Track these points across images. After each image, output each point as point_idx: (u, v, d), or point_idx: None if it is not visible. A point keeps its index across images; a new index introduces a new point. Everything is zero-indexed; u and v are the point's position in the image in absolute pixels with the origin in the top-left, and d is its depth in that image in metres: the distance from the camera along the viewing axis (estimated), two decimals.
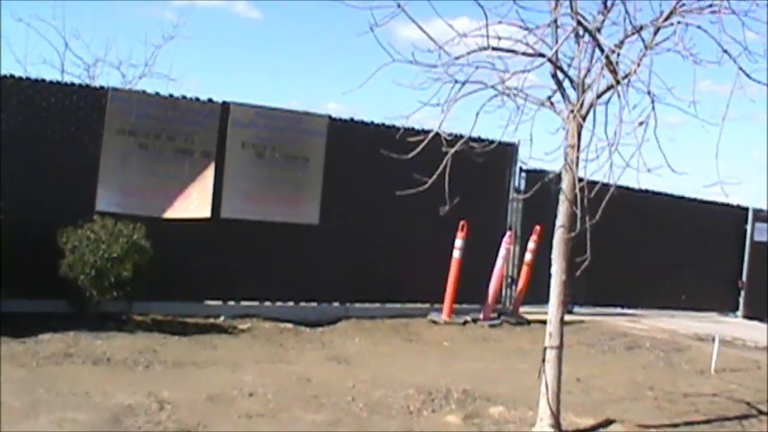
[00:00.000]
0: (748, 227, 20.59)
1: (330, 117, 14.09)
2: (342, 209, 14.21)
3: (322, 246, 14.08)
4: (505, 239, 14.88)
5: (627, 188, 18.19)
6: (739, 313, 20.54)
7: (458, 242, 14.42)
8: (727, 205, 20.44)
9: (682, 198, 19.62)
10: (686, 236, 19.54)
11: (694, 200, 19.81)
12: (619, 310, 18.10)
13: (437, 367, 10.80)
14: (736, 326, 18.44)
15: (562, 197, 7.55)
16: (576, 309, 17.21)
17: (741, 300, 20.61)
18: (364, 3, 6.86)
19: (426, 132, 7.44)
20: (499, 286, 15.04)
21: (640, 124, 7.37)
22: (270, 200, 13.69)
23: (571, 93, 7.70)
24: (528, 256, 15.41)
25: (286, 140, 13.76)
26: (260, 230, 13.58)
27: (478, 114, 7.69)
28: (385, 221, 14.60)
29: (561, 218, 7.63)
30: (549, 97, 7.80)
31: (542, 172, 16.37)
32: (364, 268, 14.55)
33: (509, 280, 16.13)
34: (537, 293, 16.31)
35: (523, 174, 16.27)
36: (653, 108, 7.20)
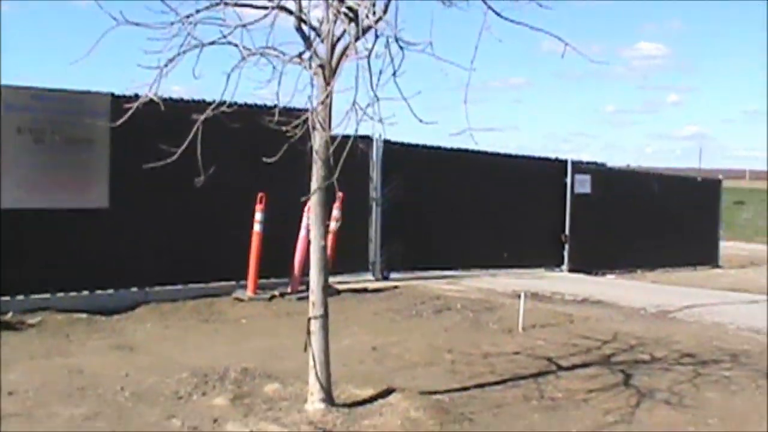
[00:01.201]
0: (568, 180, 20.65)
1: (113, 95, 13.42)
2: (135, 190, 13.59)
3: (116, 230, 13.48)
4: (306, 209, 14.50)
5: (438, 148, 18.48)
6: (565, 266, 20.63)
7: (258, 215, 14.02)
8: (547, 159, 20.67)
9: (499, 155, 19.67)
10: (507, 193, 19.65)
11: (512, 156, 19.90)
12: (439, 273, 17.85)
13: (226, 347, 10.44)
14: (560, 280, 18.60)
15: (315, 157, 7.14)
16: (393, 275, 17.03)
17: (565, 254, 20.72)
18: None
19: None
20: (304, 257, 14.62)
21: (394, 75, 7.05)
22: (54, 187, 12.99)
23: (322, 48, 7.30)
24: (333, 225, 15.06)
25: (66, 122, 13.07)
26: (46, 219, 12.89)
27: (228, 76, 7.21)
28: (183, 199, 14.03)
29: (315, 180, 7.20)
30: (300, 54, 7.42)
31: (346, 137, 16.28)
32: (164, 249, 14.01)
33: None
34: (354, 262, 16.17)
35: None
36: (402, 57, 6.84)
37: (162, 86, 7.30)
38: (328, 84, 7.16)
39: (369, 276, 16.95)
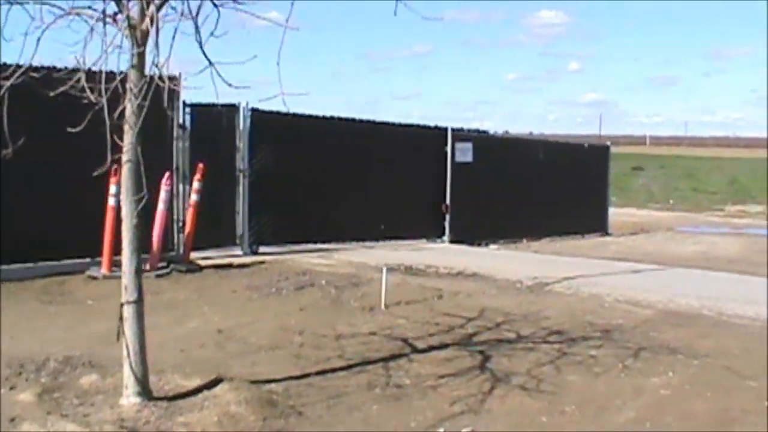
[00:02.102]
0: (449, 149, 20.18)
1: None
2: None
3: None
4: (164, 181, 13.82)
5: (311, 116, 17.86)
6: (446, 237, 20.20)
7: (112, 188, 13.22)
8: (426, 127, 20.20)
9: (376, 123, 19.15)
10: (385, 163, 19.09)
11: (390, 124, 19.40)
12: (312, 246, 17.27)
13: (61, 332, 9.77)
14: (439, 252, 18.16)
15: (126, 127, 6.47)
16: (263, 249, 16.44)
17: (447, 224, 20.26)
18: None
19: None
20: (162, 231, 13.98)
21: (212, 35, 6.44)
22: None
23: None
24: (193, 197, 14.51)
25: None
26: None
27: (39, 39, 6.50)
28: (35, 171, 13.20)
29: (126, 152, 6.53)
30: (115, 13, 6.71)
31: (211, 106, 15.65)
32: (9, 225, 13.14)
33: (180, 224, 15.09)
34: (220, 235, 15.53)
35: (188, 109, 15.24)
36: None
37: None
38: (140, 46, 6.48)
39: (237, 251, 16.28)
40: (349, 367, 8.31)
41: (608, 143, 27.91)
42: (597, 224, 25.51)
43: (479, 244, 20.46)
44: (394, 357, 8.73)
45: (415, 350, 9.04)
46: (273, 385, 7.52)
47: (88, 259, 13.80)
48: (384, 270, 11.77)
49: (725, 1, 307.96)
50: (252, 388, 7.25)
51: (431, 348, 9.12)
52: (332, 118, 17.90)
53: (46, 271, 13.37)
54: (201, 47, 6.28)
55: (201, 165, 14.41)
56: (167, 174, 13.94)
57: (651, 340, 9.81)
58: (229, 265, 14.75)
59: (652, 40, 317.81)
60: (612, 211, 30.71)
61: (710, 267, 17.89)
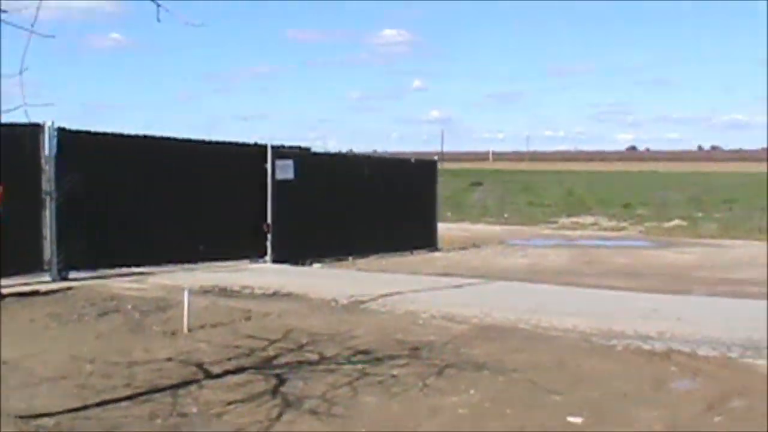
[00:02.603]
0: (269, 166, 19.94)
1: None
2: None
3: None
4: None
5: (123, 135, 17.40)
6: (269, 257, 19.92)
7: None
8: (246, 145, 19.92)
9: (193, 141, 18.79)
10: (203, 182, 18.74)
11: (208, 143, 19.07)
12: (127, 270, 16.81)
13: None
14: (259, 273, 17.89)
15: None
16: (74, 274, 15.93)
17: (269, 244, 19.99)
18: None
19: None
20: None
21: None
22: None
23: None
24: None
25: None
26: None
27: None
28: None
29: None
30: None
31: (12, 126, 15.07)
32: None
33: None
34: (26, 261, 14.95)
35: None
36: None
37: None
38: None
39: (46, 277, 15.71)
40: (137, 395, 8.01)
41: (436, 158, 28.07)
42: (426, 240, 25.54)
43: (303, 264, 20.25)
44: (185, 383, 8.45)
45: (209, 376, 8.79)
46: (45, 419, 7.15)
47: None
48: (186, 292, 11.45)
49: (568, 19, 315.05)
50: (18, 423, 6.86)
51: (226, 373, 8.88)
52: (145, 137, 17.50)
53: None
54: None
55: (1, 187, 13.85)
56: None
57: (460, 357, 9.75)
58: (35, 293, 14.23)
59: (494, 56, 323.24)
60: (445, 227, 30.99)
61: (535, 279, 18.16)
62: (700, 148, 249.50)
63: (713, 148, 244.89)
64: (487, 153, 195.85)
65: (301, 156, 21.43)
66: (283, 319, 12.00)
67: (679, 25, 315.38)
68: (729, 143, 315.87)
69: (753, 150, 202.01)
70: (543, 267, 21.88)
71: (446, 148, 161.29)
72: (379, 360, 9.55)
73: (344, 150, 27.07)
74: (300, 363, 9.36)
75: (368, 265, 21.37)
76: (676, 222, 37.28)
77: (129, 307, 12.75)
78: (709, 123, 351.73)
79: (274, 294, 14.51)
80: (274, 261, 19.98)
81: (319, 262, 20.83)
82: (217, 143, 19.32)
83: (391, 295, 14.19)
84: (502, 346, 10.30)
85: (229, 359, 9.48)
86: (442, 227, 28.19)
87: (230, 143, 19.57)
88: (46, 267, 15.87)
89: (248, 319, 11.98)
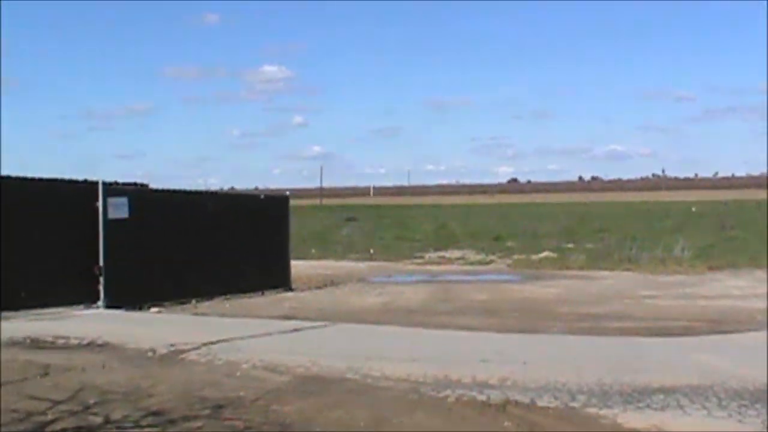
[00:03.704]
0: (100, 204, 18.89)
1: None
2: None
3: None
4: None
5: None
6: (101, 302, 18.83)
7: None
8: (74, 182, 18.89)
9: (12, 178, 17.65)
10: (26, 222, 17.62)
11: (30, 179, 18.00)
12: None
13: None
14: (86, 320, 16.91)
15: None
16: None
17: (101, 288, 18.89)
18: None
19: None
20: None
21: None
22: None
23: None
24: None
25: None
26: None
27: None
28: None
29: None
30: None
31: None
32: None
33: None
34: None
35: None
36: None
37: None
38: None
39: None
40: None
41: (287, 193, 27.19)
42: (278, 279, 24.70)
43: (141, 308, 19.22)
44: None
45: None
46: None
47: None
48: None
49: (445, 52, 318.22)
50: None
51: None
52: None
53: None
54: None
55: None
56: None
57: (267, 416, 8.97)
58: None
59: (373, 91, 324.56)
60: (307, 264, 30.39)
61: (384, 320, 17.60)
62: (580, 178, 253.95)
63: (593, 178, 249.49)
64: (368, 188, 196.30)
65: (138, 192, 20.48)
66: (84, 374, 11.09)
67: (558, 56, 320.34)
68: (609, 173, 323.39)
69: (632, 180, 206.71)
70: (397, 306, 21.27)
71: (329, 184, 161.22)
72: (172, 422, 8.71)
73: (226, 188, 26.20)
74: (79, 429, 8.43)
75: (211, 308, 20.46)
76: (546, 254, 37.16)
77: None
78: (590, 154, 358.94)
79: (89, 344, 13.55)
80: (108, 306, 18.90)
81: (158, 306, 19.79)
82: (41, 180, 18.23)
83: (216, 342, 13.37)
84: (318, 402, 9.54)
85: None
86: (303, 265, 27.43)
87: (57, 180, 18.51)
88: None
89: (45, 375, 11.02)
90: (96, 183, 19.13)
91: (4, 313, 16.75)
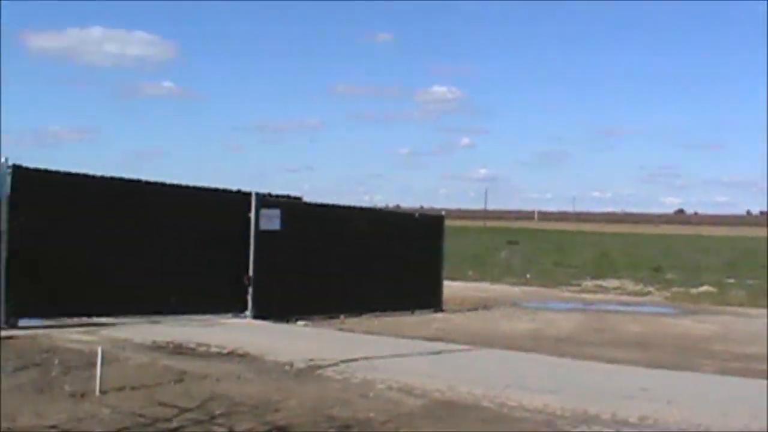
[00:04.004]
0: (252, 215, 19.00)
1: None
2: None
3: None
4: None
5: (92, 177, 16.55)
6: (249, 312, 18.91)
7: None
8: (228, 192, 19.02)
9: (165, 185, 17.86)
10: (178, 228, 17.84)
11: (185, 187, 18.16)
12: (86, 320, 15.96)
13: None
14: (231, 329, 16.90)
15: None
16: (27, 322, 15.05)
17: (249, 298, 18.99)
18: None
19: None
20: None
21: None
22: None
23: None
24: None
25: None
26: None
27: None
28: None
29: None
30: None
31: None
32: None
33: None
34: None
35: None
36: None
37: None
38: None
39: None
40: None
41: (443, 213, 26.90)
42: (430, 299, 24.42)
43: (288, 321, 19.23)
44: None
45: None
46: None
47: None
48: (99, 351, 10.49)
49: (617, 80, 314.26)
50: None
51: None
52: (112, 178, 16.67)
53: None
54: None
55: None
56: None
57: None
58: None
59: (542, 115, 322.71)
60: (462, 285, 30.08)
61: (530, 348, 17.12)
62: (748, 212, 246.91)
63: (762, 213, 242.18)
64: (533, 212, 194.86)
65: (291, 205, 20.50)
66: (218, 383, 11.06)
67: (731, 88, 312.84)
68: None
69: None
70: (546, 333, 20.78)
71: (493, 206, 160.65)
72: None
73: (391, 205, 26.16)
74: None
75: (359, 324, 20.31)
76: (705, 288, 35.90)
77: (56, 361, 11.84)
78: (759, 187, 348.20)
79: (229, 354, 13.55)
80: (256, 316, 18.96)
81: (305, 319, 19.77)
82: (197, 188, 18.44)
83: (356, 360, 13.20)
84: (448, 429, 9.26)
85: (123, 430, 8.48)
86: (458, 286, 27.14)
87: (212, 189, 18.70)
88: None
89: (179, 381, 11.03)
90: (249, 194, 19.21)
91: (154, 317, 17.01)
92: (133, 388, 10.42)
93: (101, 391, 10.04)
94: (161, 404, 9.64)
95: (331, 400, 10.33)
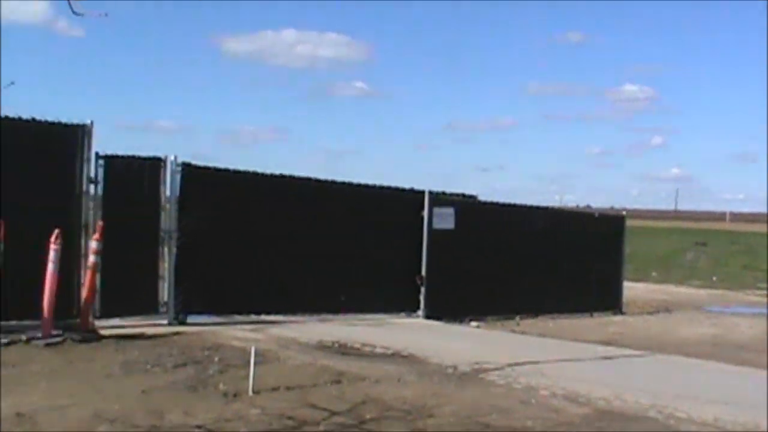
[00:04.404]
0: (425, 213, 18.60)
1: None
2: None
3: None
4: (52, 239, 12.50)
5: (256, 174, 16.48)
6: (421, 312, 18.54)
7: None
8: (400, 190, 18.68)
9: (336, 183, 17.67)
10: (348, 227, 17.64)
11: (356, 185, 17.92)
12: (255, 317, 15.88)
13: None
14: (400, 329, 16.60)
15: None
16: (196, 318, 15.06)
17: (421, 298, 18.60)
18: None
19: None
20: (53, 295, 12.61)
21: None
22: None
23: None
24: (91, 258, 13.18)
25: None
26: None
27: None
28: None
29: None
30: None
31: (130, 158, 14.43)
32: None
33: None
34: (142, 302, 14.31)
35: (101, 161, 14.00)
36: None
37: None
38: None
39: (163, 319, 14.88)
40: None
41: (623, 213, 25.98)
42: (609, 302, 23.62)
43: (461, 321, 18.79)
44: None
45: None
46: None
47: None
48: (252, 350, 10.22)
49: None
50: None
51: None
52: (282, 176, 16.52)
53: None
54: None
55: (101, 223, 13.22)
56: (56, 232, 12.56)
57: None
58: (138, 336, 13.45)
59: (733, 114, 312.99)
60: (645, 287, 29.11)
61: (708, 355, 16.20)
62: None
63: None
64: (725, 213, 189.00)
65: (465, 204, 20.05)
66: (375, 386, 10.67)
67: None
68: None
69: None
70: (726, 339, 19.72)
71: (686, 207, 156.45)
72: None
73: (581, 205, 25.49)
74: None
75: (533, 326, 19.71)
76: None
77: (216, 359, 11.67)
78: None
79: (393, 355, 13.20)
80: (427, 317, 18.60)
81: (478, 320, 19.28)
82: (367, 186, 18.17)
83: (523, 364, 12.69)
84: None
85: None
86: (641, 288, 26.24)
87: (381, 187, 18.39)
88: (162, 309, 15.04)
89: (336, 383, 10.69)
90: (422, 192, 18.85)
91: (324, 316, 16.84)
92: (287, 389, 10.13)
93: (254, 391, 9.77)
94: (312, 406, 9.31)
95: (488, 407, 9.81)
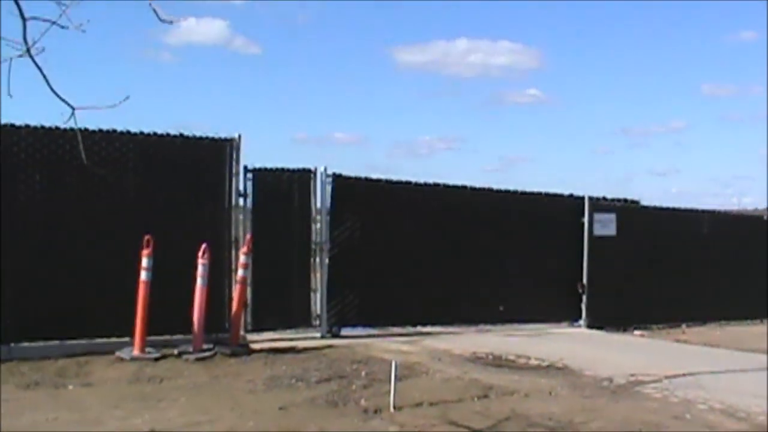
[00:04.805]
0: (586, 220, 17.95)
1: None
2: None
3: None
4: (200, 254, 12.43)
5: (409, 183, 16.19)
6: (582, 321, 17.89)
7: (144, 261, 12.08)
8: (559, 196, 18.07)
9: (492, 191, 17.19)
10: (505, 235, 17.15)
11: (511, 192, 17.43)
12: (410, 329, 15.57)
13: None
14: (558, 339, 16.04)
15: None
16: (349, 331, 14.84)
17: (583, 306, 17.95)
18: None
19: None
20: (203, 310, 12.55)
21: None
22: None
23: None
24: (240, 272, 13.06)
25: None
26: None
27: None
28: (56, 239, 12.28)
29: None
30: None
31: (279, 171, 14.31)
32: (31, 299, 12.11)
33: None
34: (296, 316, 14.21)
35: (250, 174, 13.91)
36: None
37: None
38: None
39: (316, 332, 14.71)
40: None
41: None
42: None
43: (624, 330, 18.07)
44: None
45: None
46: None
47: (125, 339, 12.51)
48: (393, 365, 9.82)
49: None
50: None
51: None
52: (435, 185, 16.20)
53: (73, 350, 12.22)
54: None
55: (249, 236, 13.12)
56: (203, 246, 12.48)
57: None
58: (289, 349, 13.32)
59: None
60: None
61: None
62: None
63: None
64: None
65: (626, 209, 19.26)
66: (523, 401, 10.20)
67: None
68: None
69: None
70: None
71: None
72: None
73: (761, 208, 24.47)
74: None
75: (698, 335, 18.73)
76: None
77: (363, 373, 11.37)
78: None
79: (547, 367, 12.70)
80: (589, 326, 17.94)
81: (642, 328, 18.51)
82: (523, 193, 17.65)
83: (682, 375, 12.02)
84: None
85: None
86: None
87: (539, 193, 17.85)
88: (315, 322, 14.85)
89: (482, 398, 10.25)
90: (582, 198, 18.21)
91: (481, 326, 16.43)
92: (431, 404, 9.73)
93: (396, 407, 9.41)
94: (452, 423, 8.91)
95: (638, 423, 9.24)
